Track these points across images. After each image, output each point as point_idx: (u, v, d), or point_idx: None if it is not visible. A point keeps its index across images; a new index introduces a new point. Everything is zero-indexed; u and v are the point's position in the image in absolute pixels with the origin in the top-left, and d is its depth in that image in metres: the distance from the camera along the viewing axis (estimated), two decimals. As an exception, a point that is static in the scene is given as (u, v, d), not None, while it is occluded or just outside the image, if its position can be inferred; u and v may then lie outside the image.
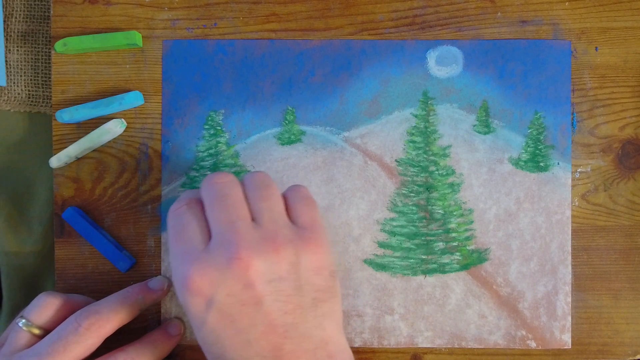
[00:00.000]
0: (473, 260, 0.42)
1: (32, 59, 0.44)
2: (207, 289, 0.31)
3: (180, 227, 0.33)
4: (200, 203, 0.34)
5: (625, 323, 0.42)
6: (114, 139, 0.42)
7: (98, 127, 0.41)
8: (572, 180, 0.42)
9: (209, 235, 0.33)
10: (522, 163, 0.42)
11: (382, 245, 0.42)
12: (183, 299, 0.32)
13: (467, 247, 0.42)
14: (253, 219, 0.33)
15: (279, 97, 0.42)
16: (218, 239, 0.32)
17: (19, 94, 0.44)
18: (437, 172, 0.42)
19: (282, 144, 0.42)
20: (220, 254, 0.31)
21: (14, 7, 0.44)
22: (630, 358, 0.42)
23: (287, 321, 0.31)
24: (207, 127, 0.42)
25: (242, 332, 0.31)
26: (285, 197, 0.35)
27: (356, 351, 0.42)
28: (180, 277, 0.32)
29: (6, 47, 0.44)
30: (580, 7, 0.42)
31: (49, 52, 0.44)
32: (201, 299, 0.31)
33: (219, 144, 0.42)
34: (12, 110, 0.44)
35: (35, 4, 0.44)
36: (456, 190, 0.42)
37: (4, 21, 0.43)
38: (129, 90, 0.42)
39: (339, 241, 0.42)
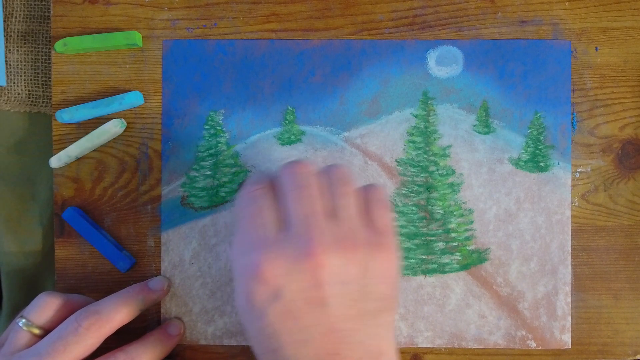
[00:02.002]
0: (473, 260, 0.42)
1: (32, 59, 0.44)
2: (276, 280, 0.29)
3: (255, 211, 0.32)
4: (274, 189, 0.33)
5: (625, 323, 0.42)
6: (114, 139, 0.42)
7: (98, 127, 0.41)
8: (572, 180, 0.42)
9: (283, 224, 0.31)
10: (522, 163, 0.42)
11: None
12: (246, 287, 0.30)
13: (467, 247, 0.42)
14: (329, 215, 0.32)
15: (279, 97, 0.42)
16: (294, 231, 0.31)
17: (19, 94, 0.44)
18: (437, 172, 0.42)
19: (282, 144, 0.42)
20: (295, 248, 0.30)
21: (14, 7, 0.44)
22: (630, 358, 0.42)
23: (348, 327, 0.30)
24: (207, 127, 0.42)
25: (302, 330, 0.30)
26: (360, 194, 0.33)
27: (356, 351, 0.42)
28: (248, 263, 0.30)
29: (6, 47, 0.44)
30: (580, 7, 0.42)
31: (49, 52, 0.44)
32: (268, 289, 0.30)
33: (219, 144, 0.42)
34: (12, 110, 0.44)
35: (35, 4, 0.44)
36: (456, 190, 0.42)
37: (4, 21, 0.43)
38: (129, 90, 0.42)
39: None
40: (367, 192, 0.34)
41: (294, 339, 0.30)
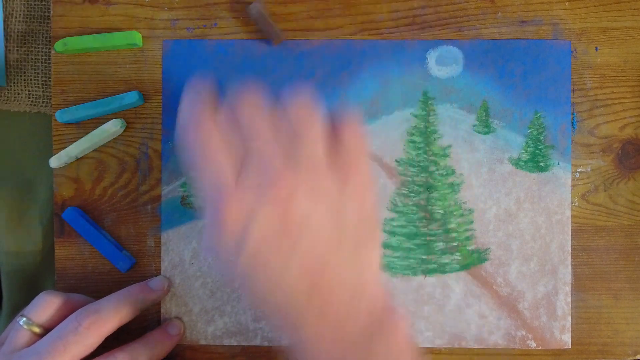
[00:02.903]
0: (473, 260, 0.42)
1: (32, 59, 0.44)
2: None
3: (208, 152, 0.31)
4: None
5: (625, 323, 0.42)
6: (114, 139, 0.42)
7: (98, 127, 0.41)
8: (572, 180, 0.42)
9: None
10: (522, 163, 0.42)
11: (382, 245, 0.42)
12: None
13: (467, 247, 0.42)
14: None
15: (279, 97, 0.42)
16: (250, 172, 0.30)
17: (18, 94, 0.44)
18: (437, 172, 0.42)
19: (282, 144, 0.42)
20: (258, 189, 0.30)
21: (14, 7, 0.44)
22: (630, 358, 0.42)
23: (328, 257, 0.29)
24: (207, 127, 0.42)
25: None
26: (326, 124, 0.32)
27: (356, 351, 0.42)
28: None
29: (6, 47, 0.44)
30: (580, 7, 0.42)
31: (49, 52, 0.44)
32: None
33: (219, 144, 0.42)
34: (12, 110, 0.44)
35: (35, 4, 0.44)
36: (456, 190, 0.42)
37: (4, 21, 0.43)
38: (129, 90, 0.42)
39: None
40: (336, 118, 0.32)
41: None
